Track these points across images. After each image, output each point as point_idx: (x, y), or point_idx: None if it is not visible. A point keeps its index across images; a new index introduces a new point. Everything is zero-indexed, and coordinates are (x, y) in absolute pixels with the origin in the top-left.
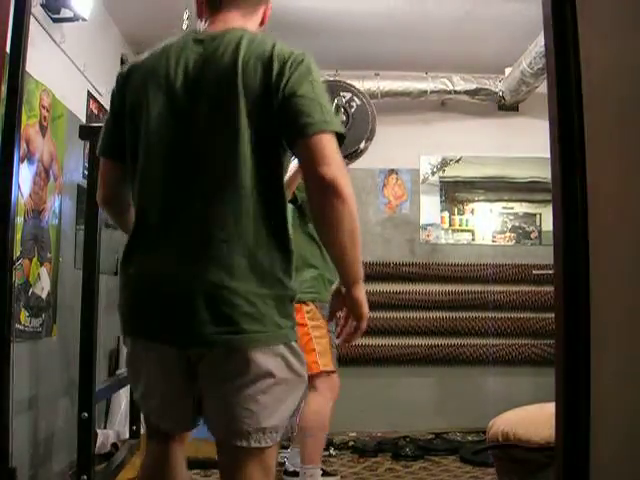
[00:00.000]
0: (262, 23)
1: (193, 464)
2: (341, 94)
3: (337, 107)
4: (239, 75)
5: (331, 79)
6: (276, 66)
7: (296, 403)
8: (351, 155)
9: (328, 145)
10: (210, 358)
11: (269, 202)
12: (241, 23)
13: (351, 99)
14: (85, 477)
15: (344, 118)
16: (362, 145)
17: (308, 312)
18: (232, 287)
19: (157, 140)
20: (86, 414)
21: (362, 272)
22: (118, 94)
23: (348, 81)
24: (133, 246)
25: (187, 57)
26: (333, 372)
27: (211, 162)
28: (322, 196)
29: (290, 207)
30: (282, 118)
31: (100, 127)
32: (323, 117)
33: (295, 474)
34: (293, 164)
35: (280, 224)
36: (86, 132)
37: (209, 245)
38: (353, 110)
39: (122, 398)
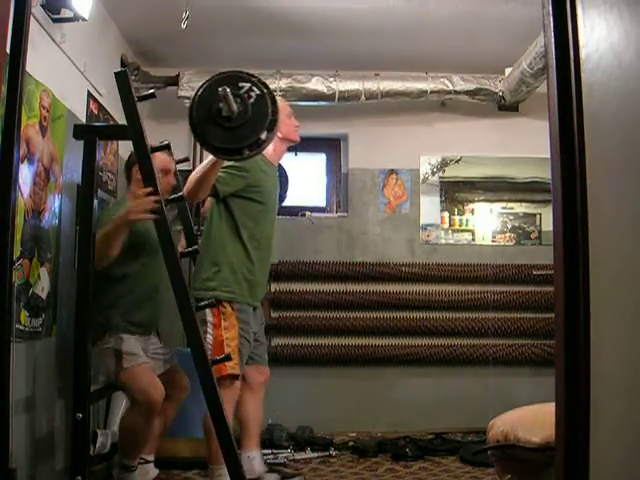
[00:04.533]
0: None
1: (193, 464)
2: (239, 84)
3: (225, 97)
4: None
5: (231, 70)
6: None
7: None
8: (252, 145)
9: None
10: None
11: None
12: None
13: (250, 89)
14: (79, 478)
15: (239, 108)
16: (263, 136)
17: (223, 313)
18: None
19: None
20: (80, 415)
21: None
22: None
23: (250, 72)
24: None
25: None
26: (236, 378)
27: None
28: None
29: (213, 201)
30: None
31: (97, 126)
32: None
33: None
34: (208, 159)
35: None
36: (80, 131)
37: None
38: (252, 101)
39: (122, 398)
